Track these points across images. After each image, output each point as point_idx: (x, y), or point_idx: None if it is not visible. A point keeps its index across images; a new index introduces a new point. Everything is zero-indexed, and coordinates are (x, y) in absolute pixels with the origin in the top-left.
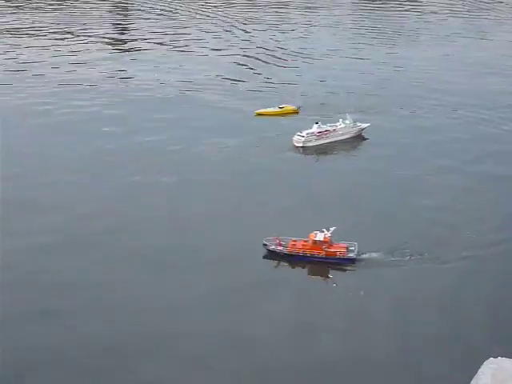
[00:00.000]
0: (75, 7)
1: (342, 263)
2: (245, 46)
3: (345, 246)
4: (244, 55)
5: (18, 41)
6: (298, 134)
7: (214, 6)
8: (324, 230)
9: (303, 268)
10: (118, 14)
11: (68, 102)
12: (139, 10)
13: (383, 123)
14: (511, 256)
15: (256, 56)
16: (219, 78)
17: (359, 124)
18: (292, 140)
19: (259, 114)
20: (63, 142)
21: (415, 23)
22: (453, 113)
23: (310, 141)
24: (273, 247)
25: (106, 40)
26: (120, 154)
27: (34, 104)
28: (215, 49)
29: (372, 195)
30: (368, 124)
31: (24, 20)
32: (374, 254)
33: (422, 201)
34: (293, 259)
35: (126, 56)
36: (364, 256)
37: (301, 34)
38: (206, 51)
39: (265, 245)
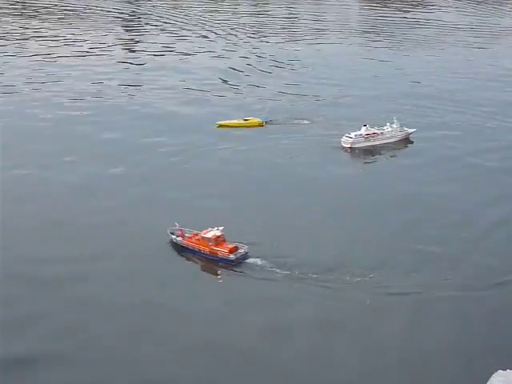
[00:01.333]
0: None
1: (222, 263)
2: (242, 54)
3: (232, 247)
4: (231, 65)
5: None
6: (347, 135)
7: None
8: (217, 227)
9: (192, 262)
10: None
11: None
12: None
13: None
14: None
15: (247, 65)
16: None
17: (406, 128)
18: (340, 141)
19: (221, 126)
20: None
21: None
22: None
23: (358, 142)
24: (173, 237)
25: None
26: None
27: None
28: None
29: (367, 211)
30: (415, 129)
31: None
32: (260, 261)
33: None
34: (187, 252)
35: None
36: (249, 261)
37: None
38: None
39: (168, 234)
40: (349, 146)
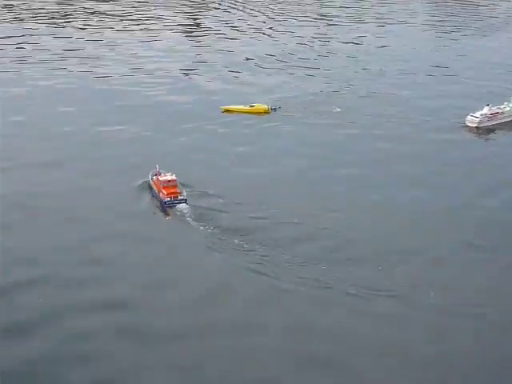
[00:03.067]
0: None
1: (160, 202)
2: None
3: (173, 191)
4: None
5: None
6: (472, 114)
7: None
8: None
9: (143, 197)
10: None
11: None
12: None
13: None
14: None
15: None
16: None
17: None
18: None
19: (226, 111)
20: None
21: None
22: None
23: (483, 122)
24: (150, 178)
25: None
26: None
27: None
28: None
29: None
30: None
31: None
32: (187, 210)
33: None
34: (150, 190)
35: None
36: (179, 206)
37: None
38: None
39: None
40: (475, 125)
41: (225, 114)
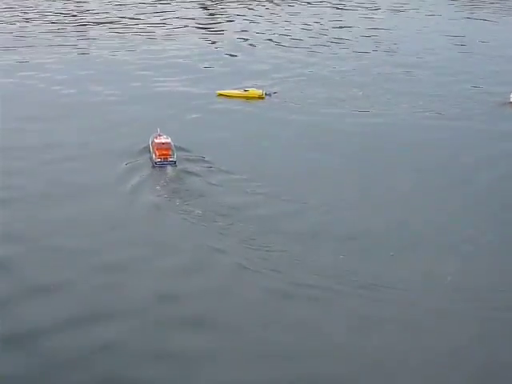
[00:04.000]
0: None
1: (151, 162)
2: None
3: (164, 153)
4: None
5: None
6: None
7: None
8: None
9: (137, 158)
10: None
11: None
12: None
13: None
14: None
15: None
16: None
17: None
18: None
19: (221, 95)
20: None
21: None
22: None
23: None
24: (150, 141)
25: None
26: None
27: None
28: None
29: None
30: None
31: None
32: (171, 172)
33: None
34: (146, 151)
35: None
36: (167, 168)
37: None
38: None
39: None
40: None
41: (220, 98)
